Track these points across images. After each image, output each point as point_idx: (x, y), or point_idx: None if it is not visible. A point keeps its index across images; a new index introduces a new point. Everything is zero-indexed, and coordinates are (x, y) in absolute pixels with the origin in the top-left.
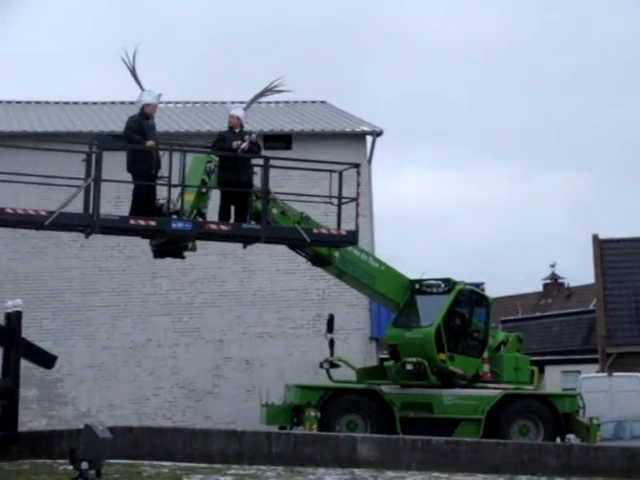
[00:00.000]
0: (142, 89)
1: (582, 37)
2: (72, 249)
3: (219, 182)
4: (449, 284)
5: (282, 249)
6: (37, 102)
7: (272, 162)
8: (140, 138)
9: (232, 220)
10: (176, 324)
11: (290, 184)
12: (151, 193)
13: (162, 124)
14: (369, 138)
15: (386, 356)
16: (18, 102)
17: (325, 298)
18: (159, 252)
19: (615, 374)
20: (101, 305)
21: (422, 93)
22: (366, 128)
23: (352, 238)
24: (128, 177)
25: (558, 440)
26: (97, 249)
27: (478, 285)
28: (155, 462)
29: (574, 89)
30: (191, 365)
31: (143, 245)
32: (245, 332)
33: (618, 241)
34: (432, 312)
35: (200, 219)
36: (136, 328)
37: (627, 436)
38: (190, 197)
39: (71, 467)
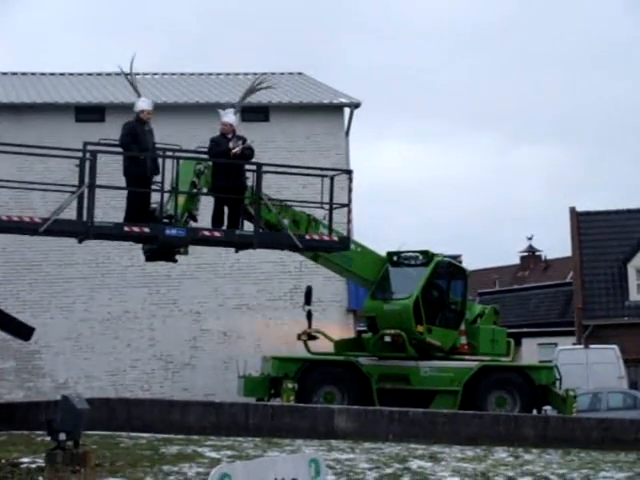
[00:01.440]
0: (139, 95)
1: (562, 11)
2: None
3: (212, 187)
4: (427, 256)
5: None
6: (14, 73)
7: (267, 166)
8: (134, 143)
9: (225, 224)
10: (153, 296)
11: (267, 156)
12: (145, 198)
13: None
14: (347, 110)
15: (364, 328)
16: None
17: (302, 270)
18: (151, 256)
19: (591, 346)
20: (78, 277)
21: (401, 65)
22: (344, 100)
23: (344, 244)
24: (121, 182)
25: (534, 412)
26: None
27: (455, 257)
28: (133, 433)
29: (554, 63)
30: (168, 337)
31: (119, 217)
32: (222, 304)
33: (595, 214)
34: (410, 284)
35: (191, 221)
36: (113, 300)
37: (603, 408)
38: (181, 199)
39: (49, 438)
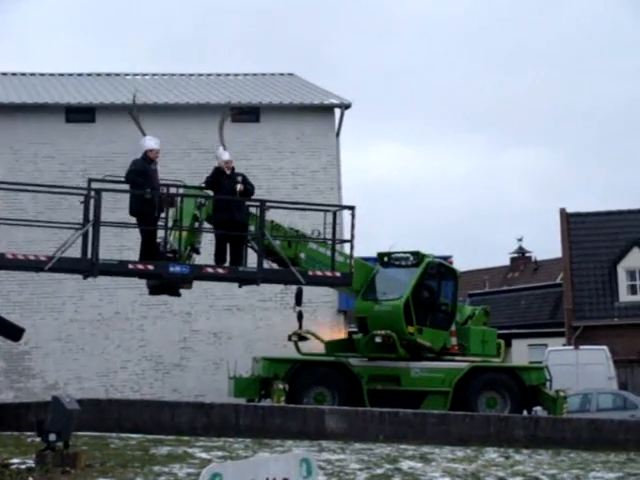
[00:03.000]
0: (144, 134)
1: (551, 13)
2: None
3: (214, 222)
4: (417, 257)
5: None
6: (4, 74)
7: (272, 197)
8: (143, 181)
9: (228, 259)
10: (144, 297)
11: (257, 157)
12: (153, 235)
13: (129, 96)
14: (337, 111)
15: (354, 329)
16: None
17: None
18: (155, 290)
19: (581, 347)
20: (68, 278)
21: (391, 66)
22: (334, 100)
23: (347, 280)
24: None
25: (525, 412)
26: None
27: (446, 258)
28: (123, 434)
29: (545, 64)
30: (159, 338)
31: (110, 218)
32: (213, 305)
33: (585, 215)
34: (401, 285)
35: (194, 254)
36: (104, 301)
37: (593, 408)
38: (183, 233)
39: (39, 439)
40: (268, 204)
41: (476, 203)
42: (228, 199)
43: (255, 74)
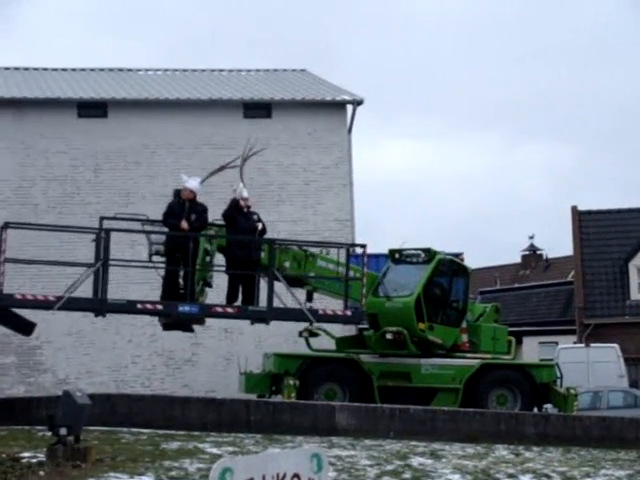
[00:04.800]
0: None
1: (566, 8)
2: (50, 216)
3: (229, 259)
4: (429, 254)
5: (263, 218)
6: (16, 68)
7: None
8: (175, 222)
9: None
10: (155, 292)
11: (269, 153)
12: (176, 274)
13: (142, 91)
14: (350, 107)
15: (365, 325)
16: None
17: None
18: (168, 327)
19: (592, 345)
20: (80, 273)
21: (404, 62)
22: (346, 97)
23: (357, 319)
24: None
25: (535, 410)
26: (76, 217)
27: (457, 255)
28: (134, 429)
29: (558, 60)
30: (170, 333)
31: (122, 213)
32: (224, 301)
33: (597, 213)
34: (412, 282)
35: (207, 288)
36: (115, 296)
37: (603, 406)
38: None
39: (49, 433)
40: (280, 242)
41: (488, 200)
42: (247, 239)
43: (267, 70)
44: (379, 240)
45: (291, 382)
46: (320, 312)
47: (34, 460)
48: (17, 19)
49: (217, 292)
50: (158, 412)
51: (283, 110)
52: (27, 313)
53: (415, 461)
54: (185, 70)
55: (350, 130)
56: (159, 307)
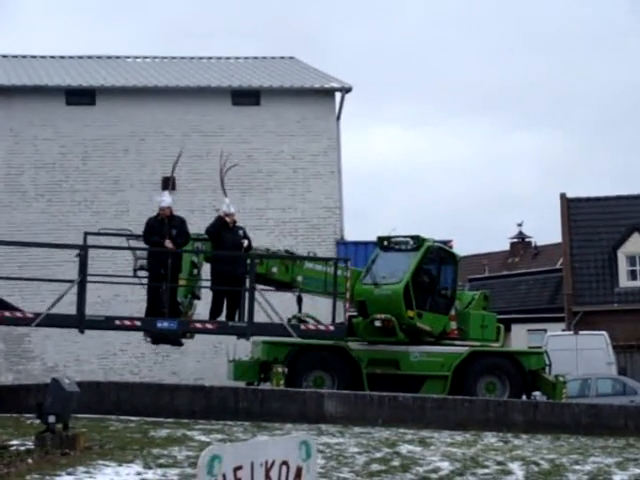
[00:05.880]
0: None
1: None
2: (39, 204)
3: (214, 275)
4: (417, 241)
5: (251, 205)
6: (4, 56)
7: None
8: (158, 239)
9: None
10: (144, 280)
11: (257, 140)
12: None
13: (130, 79)
14: (338, 94)
15: (354, 313)
16: None
17: (293, 254)
18: (156, 340)
19: (581, 332)
20: (68, 260)
21: (393, 49)
22: (335, 84)
23: (341, 334)
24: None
25: (524, 397)
26: (65, 204)
27: (446, 242)
28: (122, 417)
29: (549, 48)
30: None
31: (110, 200)
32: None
33: (586, 200)
34: (401, 269)
35: (195, 300)
36: (104, 284)
37: (592, 394)
38: (182, 281)
39: (38, 421)
40: (267, 256)
41: (477, 187)
42: (233, 254)
43: (256, 57)
44: (368, 227)
45: (280, 370)
46: (302, 327)
47: (22, 448)
48: (3, 7)
49: (207, 303)
50: (147, 400)
51: (271, 97)
52: (15, 300)
53: (404, 448)
54: (173, 57)
55: (339, 117)
56: (137, 323)
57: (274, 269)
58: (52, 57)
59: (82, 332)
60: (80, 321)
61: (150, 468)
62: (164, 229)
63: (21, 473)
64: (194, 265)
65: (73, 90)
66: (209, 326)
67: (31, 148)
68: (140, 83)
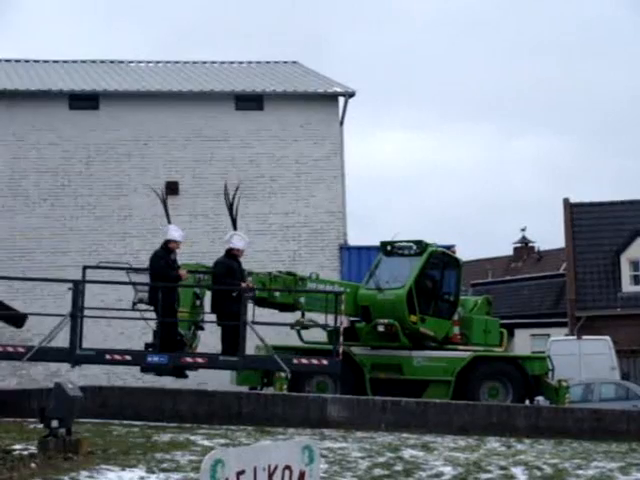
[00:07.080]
0: (169, 222)
1: (558, 0)
2: (42, 209)
3: (220, 312)
4: (421, 246)
5: (254, 210)
6: (7, 60)
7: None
8: (175, 273)
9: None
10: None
11: (261, 145)
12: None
13: (133, 83)
14: (341, 99)
15: (357, 318)
16: None
17: (296, 259)
18: (160, 372)
19: (584, 337)
20: (71, 265)
21: (396, 54)
22: (338, 89)
23: (334, 368)
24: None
25: (527, 402)
26: (67, 209)
27: (449, 247)
28: (125, 421)
29: (552, 52)
30: None
31: (113, 205)
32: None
33: (589, 205)
34: (404, 274)
35: (199, 331)
36: (106, 288)
37: (595, 398)
38: (185, 314)
39: (41, 425)
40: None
41: (480, 192)
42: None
43: (259, 62)
44: (371, 232)
45: (283, 374)
46: (295, 362)
47: (25, 452)
48: (8, 11)
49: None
50: (149, 404)
51: (275, 102)
52: (18, 305)
53: (407, 453)
54: (177, 62)
55: (342, 122)
56: (127, 357)
57: (276, 294)
58: (55, 61)
59: (73, 367)
60: (70, 356)
61: (153, 473)
62: (176, 262)
63: (24, 478)
64: (197, 296)
65: (76, 95)
66: (200, 360)
67: (34, 152)
68: (143, 88)
